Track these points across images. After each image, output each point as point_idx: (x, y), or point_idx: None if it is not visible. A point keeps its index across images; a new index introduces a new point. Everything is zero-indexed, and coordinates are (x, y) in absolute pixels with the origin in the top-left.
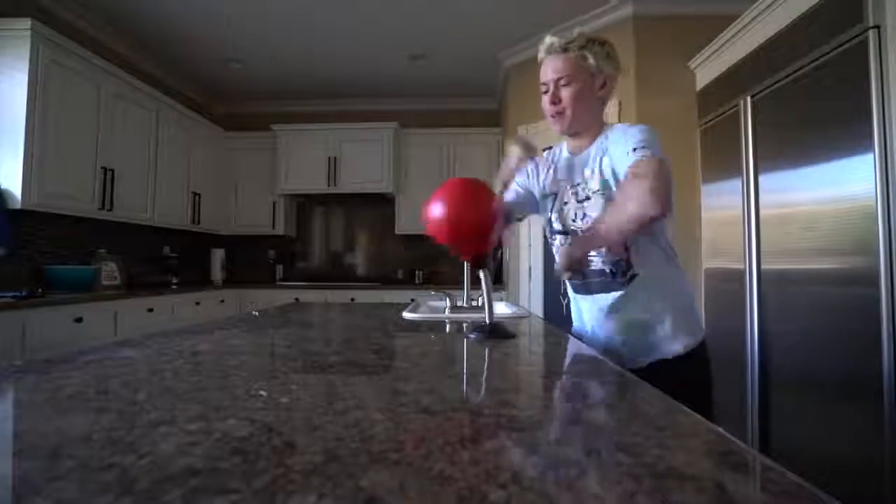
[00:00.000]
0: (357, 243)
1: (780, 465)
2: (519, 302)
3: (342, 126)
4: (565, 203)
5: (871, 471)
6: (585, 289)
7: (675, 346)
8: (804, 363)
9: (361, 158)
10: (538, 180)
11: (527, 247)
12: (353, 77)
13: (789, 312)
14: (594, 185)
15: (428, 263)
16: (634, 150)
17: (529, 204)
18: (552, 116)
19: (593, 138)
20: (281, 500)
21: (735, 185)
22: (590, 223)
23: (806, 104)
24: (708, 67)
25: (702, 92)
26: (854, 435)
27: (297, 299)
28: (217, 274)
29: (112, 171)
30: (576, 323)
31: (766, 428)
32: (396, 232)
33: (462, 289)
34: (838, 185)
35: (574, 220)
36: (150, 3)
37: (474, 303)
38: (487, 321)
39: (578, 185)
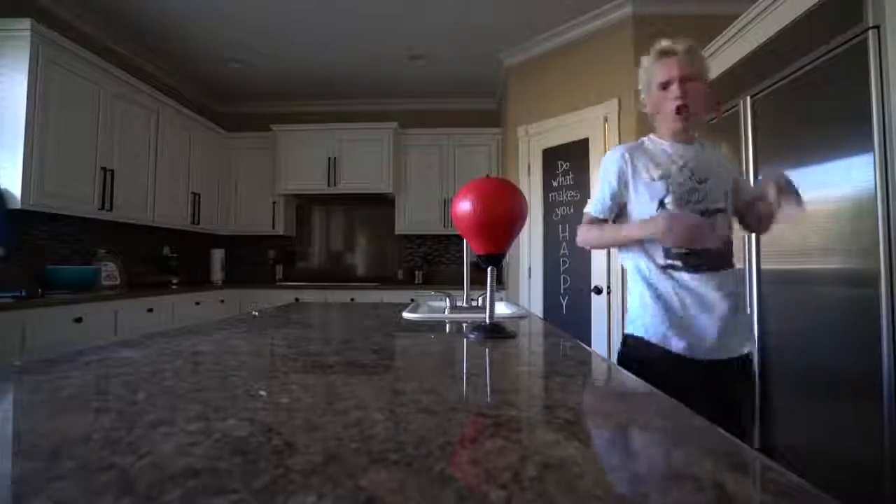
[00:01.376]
0: (357, 243)
1: (780, 465)
2: (519, 302)
3: (342, 126)
4: (680, 183)
5: (871, 471)
6: (695, 267)
7: (748, 345)
8: (804, 363)
9: (361, 158)
10: (638, 173)
11: (526, 247)
12: (353, 77)
13: (789, 312)
14: (717, 169)
15: (428, 264)
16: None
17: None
18: (679, 110)
19: (690, 140)
20: (281, 500)
21: None
22: (710, 202)
23: (806, 104)
24: None
25: None
26: (854, 435)
27: (296, 299)
28: (217, 274)
29: (112, 171)
30: (656, 314)
31: (766, 428)
32: (396, 232)
33: (462, 289)
34: (838, 185)
35: (690, 201)
36: (151, 3)
37: (474, 303)
38: (487, 321)
39: (694, 168)
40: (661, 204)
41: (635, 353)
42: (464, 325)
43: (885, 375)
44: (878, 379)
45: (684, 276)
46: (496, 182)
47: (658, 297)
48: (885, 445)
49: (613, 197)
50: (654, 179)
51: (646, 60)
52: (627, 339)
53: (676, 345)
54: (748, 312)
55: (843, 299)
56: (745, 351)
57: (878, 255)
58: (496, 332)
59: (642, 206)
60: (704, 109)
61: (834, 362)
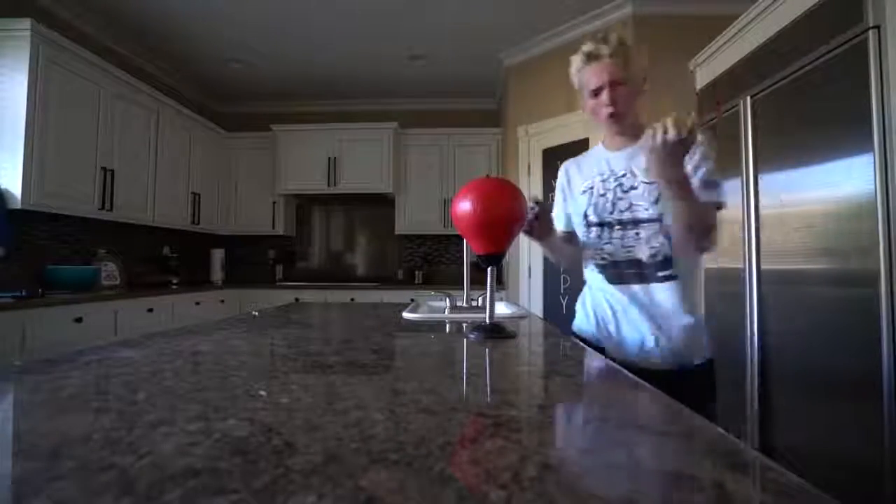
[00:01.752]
0: (357, 243)
1: (780, 465)
2: (518, 302)
3: (342, 126)
4: (602, 195)
5: (871, 471)
6: (619, 278)
7: (697, 357)
8: (804, 363)
9: (361, 158)
10: (572, 187)
11: (526, 247)
12: (353, 77)
13: (789, 312)
14: (646, 176)
15: (428, 264)
16: (712, 185)
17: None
18: (610, 116)
19: (637, 134)
20: (281, 500)
21: (735, 184)
22: (635, 212)
23: (806, 104)
24: (708, 67)
25: (702, 92)
26: (854, 435)
27: (297, 299)
28: (217, 274)
29: (112, 171)
30: (589, 320)
31: (766, 428)
32: (396, 232)
33: (462, 289)
34: (838, 185)
35: (612, 212)
36: (151, 3)
37: (474, 303)
38: (487, 321)
39: (623, 176)
40: (586, 218)
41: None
42: (464, 325)
43: (885, 375)
44: (878, 379)
45: (609, 288)
46: (496, 182)
47: (590, 303)
48: (885, 445)
49: (566, 211)
50: (581, 193)
51: (574, 63)
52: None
53: (608, 347)
54: (692, 323)
55: (843, 299)
56: (676, 368)
57: (878, 255)
58: (496, 332)
59: (577, 220)
60: (634, 109)
61: (834, 362)
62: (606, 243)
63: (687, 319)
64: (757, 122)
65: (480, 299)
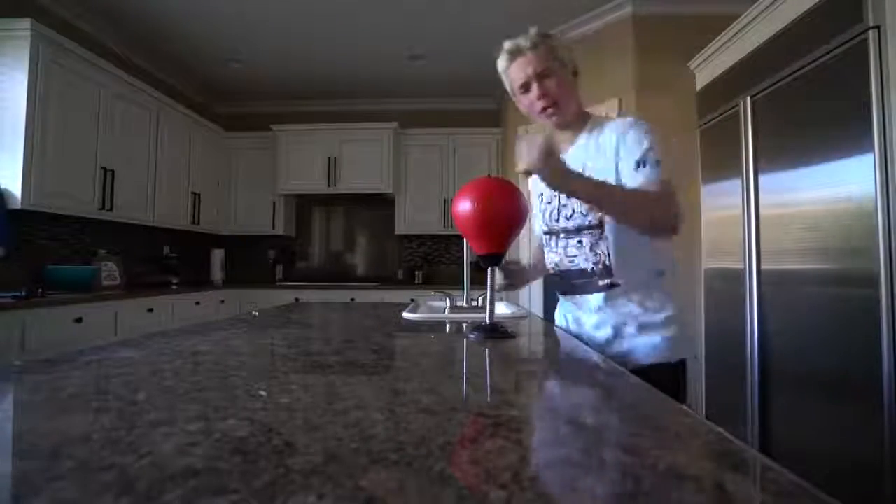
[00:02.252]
0: (357, 243)
1: (780, 465)
2: (518, 302)
3: (342, 126)
4: (549, 202)
5: (871, 471)
6: (568, 288)
7: (647, 357)
8: (804, 363)
9: (361, 158)
10: (532, 192)
11: (526, 247)
12: (353, 77)
13: (789, 312)
14: (592, 170)
15: (428, 264)
16: (642, 162)
17: None
18: (546, 109)
19: (579, 130)
20: (281, 500)
21: (735, 185)
22: (576, 219)
23: (806, 104)
24: (708, 67)
25: (702, 92)
26: (854, 435)
27: (297, 299)
28: (217, 274)
29: (112, 171)
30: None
31: (766, 428)
32: (396, 232)
33: (462, 289)
34: (838, 185)
35: (558, 220)
36: (151, 3)
37: (474, 303)
38: (487, 321)
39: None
40: (541, 227)
41: None
42: (464, 325)
43: (886, 375)
44: (878, 379)
45: (561, 299)
46: (496, 182)
47: (557, 313)
48: (885, 445)
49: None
50: (536, 198)
51: (500, 64)
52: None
53: None
54: (633, 335)
55: (843, 300)
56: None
57: (878, 255)
58: (496, 332)
59: (536, 229)
60: (573, 98)
61: (834, 362)
62: (552, 252)
63: (644, 321)
64: (757, 122)
65: (480, 299)
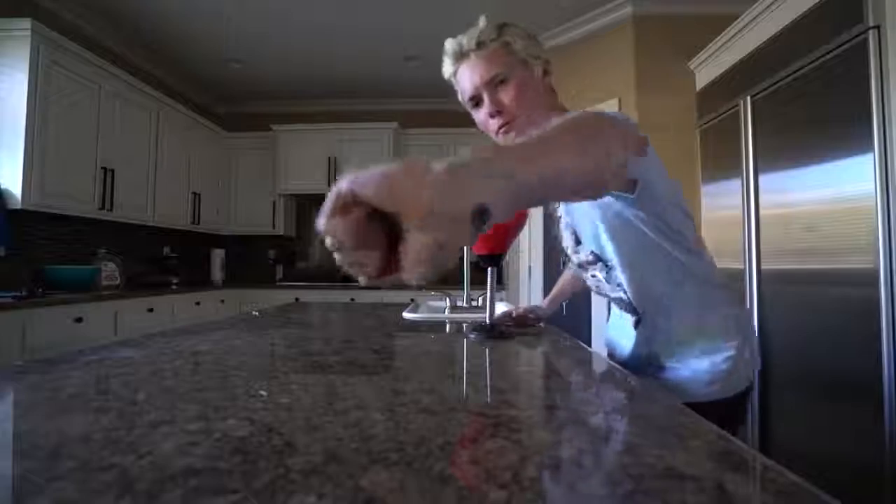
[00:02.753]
0: None
1: (780, 466)
2: (519, 302)
3: (342, 126)
4: (557, 219)
5: (870, 471)
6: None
7: (703, 390)
8: (804, 363)
9: (361, 158)
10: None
11: (526, 247)
12: (353, 77)
13: (789, 312)
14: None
15: None
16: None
17: None
18: (500, 129)
19: None
20: (281, 500)
21: (735, 185)
22: (578, 247)
23: (806, 104)
24: (708, 67)
25: (702, 92)
26: (853, 435)
27: (297, 299)
28: (217, 274)
29: (112, 171)
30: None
31: (766, 428)
32: None
33: (462, 289)
34: (838, 185)
35: (566, 243)
36: (151, 3)
37: (474, 303)
38: (487, 321)
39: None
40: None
41: None
42: (464, 325)
43: (886, 375)
44: (878, 379)
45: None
46: None
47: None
48: (885, 446)
49: None
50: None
51: (444, 69)
52: None
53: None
54: (679, 367)
55: (843, 299)
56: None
57: (878, 255)
58: (496, 332)
59: None
60: (541, 106)
61: (834, 362)
62: (588, 279)
63: (675, 354)
64: (757, 122)
65: (480, 299)
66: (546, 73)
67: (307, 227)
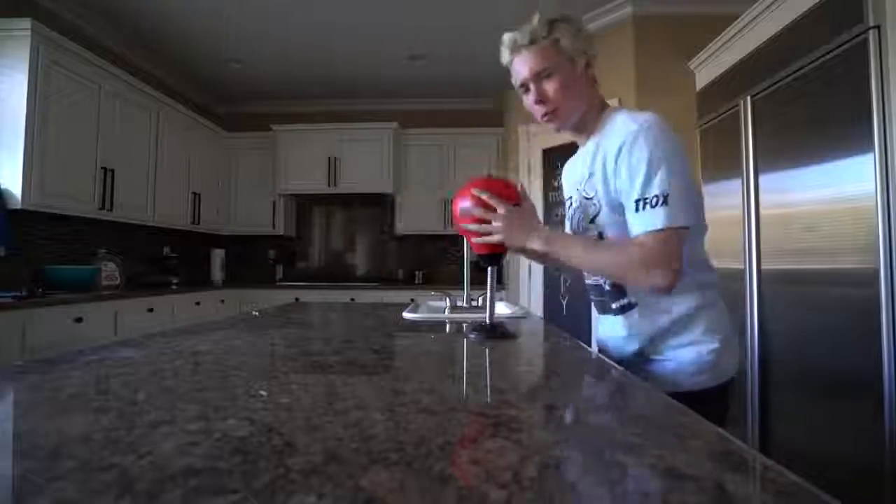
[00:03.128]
0: (357, 243)
1: (780, 465)
2: (519, 302)
3: (342, 126)
4: (577, 207)
5: (870, 470)
6: (598, 305)
7: (689, 381)
8: (804, 363)
9: (361, 158)
10: (564, 197)
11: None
12: (353, 77)
13: (789, 312)
14: (597, 182)
15: (428, 264)
16: (642, 201)
17: None
18: (544, 116)
19: (594, 130)
20: (281, 500)
21: (735, 185)
22: (593, 231)
23: (806, 104)
24: (708, 67)
25: (702, 92)
26: (854, 435)
27: (297, 299)
28: (217, 274)
29: (112, 171)
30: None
31: (766, 428)
32: (396, 232)
33: (462, 289)
34: (838, 185)
35: (580, 224)
36: (151, 3)
37: (474, 303)
38: (488, 321)
39: (584, 180)
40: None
41: None
42: (464, 325)
43: (886, 375)
44: (877, 379)
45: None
46: (497, 181)
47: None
48: (885, 445)
49: None
50: (567, 205)
51: (503, 57)
52: None
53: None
54: (663, 360)
55: (842, 299)
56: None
57: (878, 255)
58: (496, 332)
59: None
60: (580, 99)
61: (834, 362)
62: None
63: (659, 348)
64: (757, 122)
65: (480, 299)
66: (588, 65)
67: (307, 227)
